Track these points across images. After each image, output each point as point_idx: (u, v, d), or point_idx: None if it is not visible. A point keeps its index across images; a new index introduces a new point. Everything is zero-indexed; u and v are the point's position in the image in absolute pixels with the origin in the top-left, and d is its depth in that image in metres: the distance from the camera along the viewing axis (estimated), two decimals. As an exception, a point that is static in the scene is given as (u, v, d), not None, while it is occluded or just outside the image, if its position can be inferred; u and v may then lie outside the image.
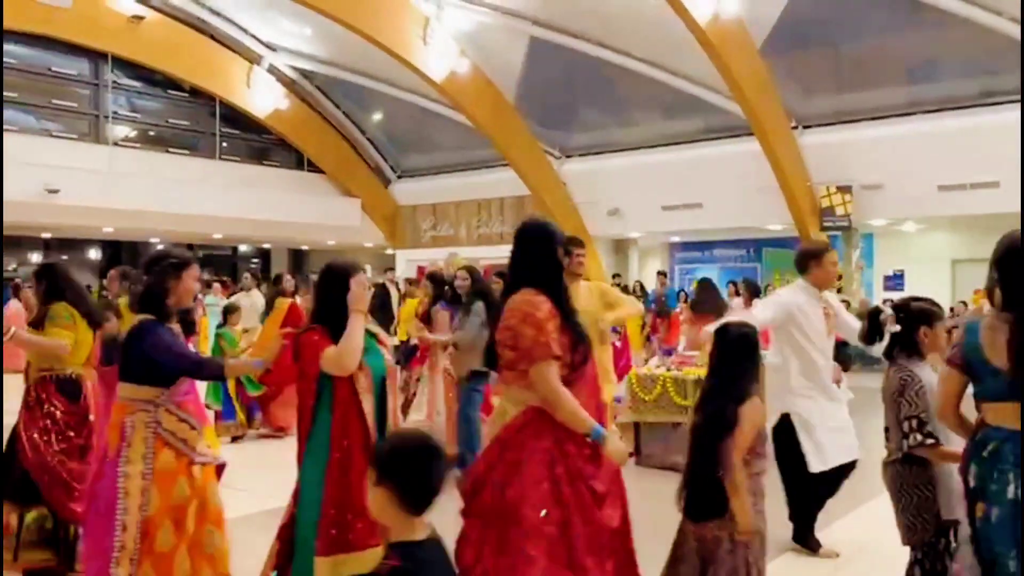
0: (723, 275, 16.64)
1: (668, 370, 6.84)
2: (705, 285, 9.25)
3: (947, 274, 15.50)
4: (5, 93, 15.84)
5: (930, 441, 3.04)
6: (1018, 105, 10.72)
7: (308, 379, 3.16)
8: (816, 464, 4.42)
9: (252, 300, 10.92)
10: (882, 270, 16.33)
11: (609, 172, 16.17)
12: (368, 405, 3.13)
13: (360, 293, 3.20)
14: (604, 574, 2.73)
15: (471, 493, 2.79)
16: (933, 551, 3.11)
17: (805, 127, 13.99)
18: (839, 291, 14.93)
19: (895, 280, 15.98)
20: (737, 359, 3.14)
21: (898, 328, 3.30)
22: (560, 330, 2.79)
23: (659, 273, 14.71)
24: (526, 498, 2.66)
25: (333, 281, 3.24)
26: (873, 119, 13.35)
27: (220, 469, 3.65)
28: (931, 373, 3.17)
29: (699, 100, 14.51)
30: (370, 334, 3.30)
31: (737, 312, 11.50)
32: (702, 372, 6.79)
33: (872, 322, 3.51)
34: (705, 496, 3.04)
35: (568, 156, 17.05)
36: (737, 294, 12.35)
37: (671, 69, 14.18)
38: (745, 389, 3.08)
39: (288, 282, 8.78)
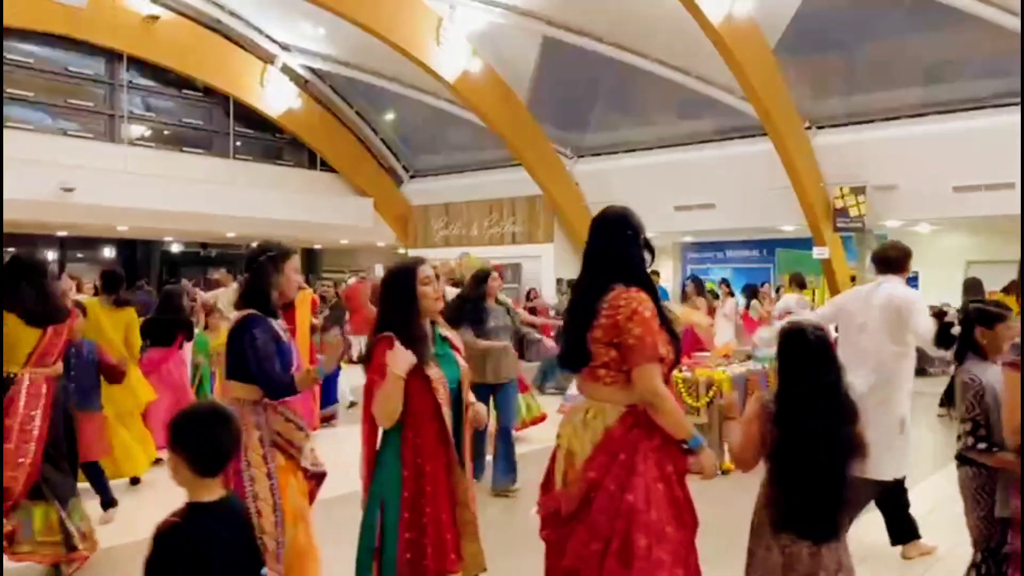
0: (735, 276, 16.59)
1: (680, 371, 6.83)
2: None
3: (961, 276, 15.37)
4: (22, 93, 16.00)
5: (982, 446, 2.99)
6: (1034, 106, 10.64)
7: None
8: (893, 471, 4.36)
9: (230, 298, 10.36)
10: (896, 271, 16.22)
11: (621, 172, 16.14)
12: (447, 419, 2.94)
13: (401, 357, 2.86)
14: None
15: (581, 502, 2.63)
16: (994, 555, 3.05)
17: (818, 127, 13.93)
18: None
19: (909, 282, 15.78)
20: (825, 364, 2.78)
21: (959, 331, 3.27)
22: (660, 328, 2.69)
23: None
24: (648, 500, 2.56)
25: (397, 285, 3.04)
26: (887, 119, 13.28)
27: (319, 480, 3.48)
28: (997, 374, 3.08)
29: (712, 100, 14.47)
30: (443, 339, 3.12)
31: (728, 312, 11.35)
32: (714, 373, 6.79)
33: (942, 326, 3.45)
34: (823, 516, 2.70)
35: (580, 156, 17.05)
36: (731, 294, 12.31)
37: (684, 69, 14.15)
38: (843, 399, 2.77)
39: None
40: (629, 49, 14.20)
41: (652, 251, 2.88)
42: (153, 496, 6.02)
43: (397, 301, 3.00)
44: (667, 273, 18.04)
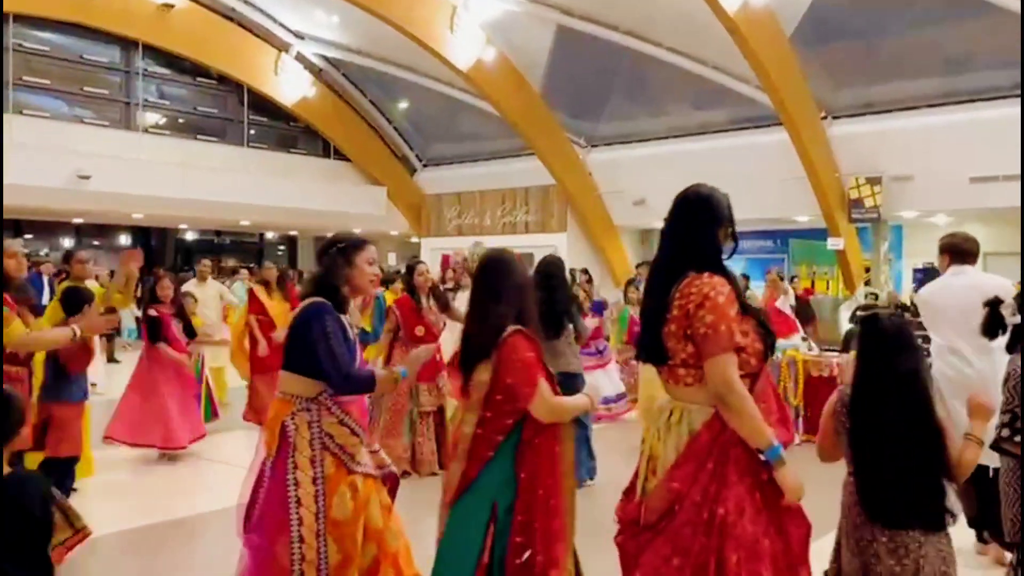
0: (749, 266, 16.53)
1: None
2: None
3: (979, 268, 15.26)
4: (39, 80, 16.09)
5: (1018, 438, 2.91)
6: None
7: (506, 393, 2.71)
8: None
9: (206, 292, 9.36)
10: (911, 263, 16.13)
11: (635, 162, 16.09)
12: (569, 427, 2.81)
13: (582, 403, 2.80)
14: None
15: (662, 513, 2.41)
16: None
17: (834, 118, 13.83)
18: (867, 284, 14.82)
19: (924, 273, 15.77)
20: (901, 351, 2.66)
21: (1018, 319, 3.17)
22: (741, 316, 2.43)
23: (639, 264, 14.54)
24: (743, 513, 2.32)
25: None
26: (904, 109, 13.16)
27: (394, 484, 3.24)
28: None
29: (727, 90, 14.39)
30: None
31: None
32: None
33: (993, 314, 3.31)
34: (912, 506, 2.54)
35: (594, 145, 17.00)
36: (747, 288, 12.22)
37: (699, 58, 14.07)
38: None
39: (269, 271, 8.19)
40: (643, 38, 14.13)
41: (736, 239, 2.65)
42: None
43: (528, 292, 2.80)
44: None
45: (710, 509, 2.33)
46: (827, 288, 16.95)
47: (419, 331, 6.03)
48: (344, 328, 3.09)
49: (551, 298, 5.38)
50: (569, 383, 5.48)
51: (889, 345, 2.63)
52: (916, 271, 15.98)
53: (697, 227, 2.58)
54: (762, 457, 2.36)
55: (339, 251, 3.14)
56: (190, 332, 6.77)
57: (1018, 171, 11.75)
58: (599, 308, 9.55)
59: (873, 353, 2.65)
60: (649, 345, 2.53)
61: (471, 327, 2.84)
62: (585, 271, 13.69)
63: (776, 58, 12.43)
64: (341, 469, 3.01)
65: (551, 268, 5.68)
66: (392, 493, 3.22)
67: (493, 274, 2.84)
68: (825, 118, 13.75)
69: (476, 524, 2.70)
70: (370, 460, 3.14)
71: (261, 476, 3.06)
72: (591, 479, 5.71)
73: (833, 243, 14.07)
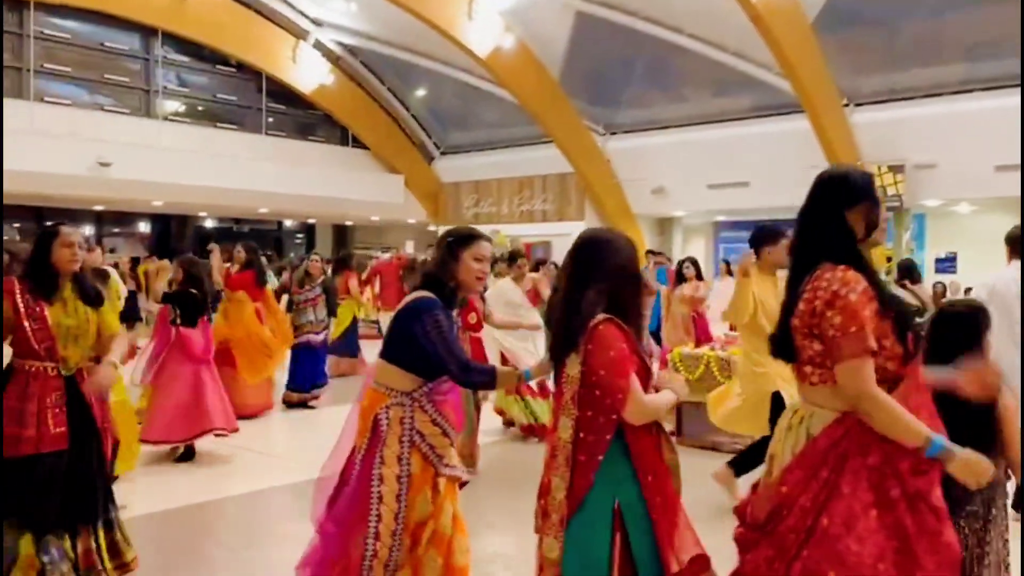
0: (768, 255, 16.32)
1: (712, 349, 6.81)
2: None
3: (1002, 257, 15.05)
4: (59, 68, 16.19)
5: None
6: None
7: (602, 387, 2.45)
8: None
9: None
10: (934, 252, 15.93)
11: (654, 149, 16.00)
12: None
13: (680, 383, 2.62)
14: None
15: (768, 516, 2.27)
16: None
17: (856, 104, 13.66)
18: (887, 273, 14.65)
19: (947, 263, 15.58)
20: (968, 341, 2.68)
21: None
22: (879, 316, 2.21)
23: (648, 252, 14.46)
24: (851, 529, 2.13)
25: (627, 257, 2.57)
26: (928, 96, 12.98)
27: (461, 486, 3.15)
28: None
29: (748, 77, 14.25)
30: None
31: (723, 291, 11.07)
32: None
33: None
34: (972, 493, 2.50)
35: (613, 133, 16.90)
36: (729, 273, 12.07)
37: (720, 45, 13.94)
38: None
39: (239, 254, 7.93)
40: (663, 24, 14.00)
41: (872, 225, 2.35)
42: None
43: (627, 277, 2.55)
44: (700, 252, 17.87)
45: (815, 518, 2.17)
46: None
47: (472, 319, 6.02)
48: (451, 323, 2.96)
49: None
50: None
51: (958, 334, 2.66)
52: (939, 260, 15.79)
53: (826, 210, 2.34)
54: (924, 456, 2.14)
55: (447, 244, 3.02)
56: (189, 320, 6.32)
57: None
58: None
59: (940, 341, 2.67)
60: (780, 340, 2.36)
61: (558, 314, 2.56)
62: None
63: (798, 45, 12.28)
64: (428, 469, 2.91)
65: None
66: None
67: (584, 255, 2.56)
68: (847, 105, 13.59)
69: (599, 543, 2.41)
70: (458, 463, 3.05)
71: (350, 463, 2.97)
72: None
73: (854, 232, 13.92)
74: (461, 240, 3.02)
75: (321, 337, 8.31)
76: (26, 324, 3.38)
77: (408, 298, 2.98)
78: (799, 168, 13.74)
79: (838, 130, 13.25)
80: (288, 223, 24.22)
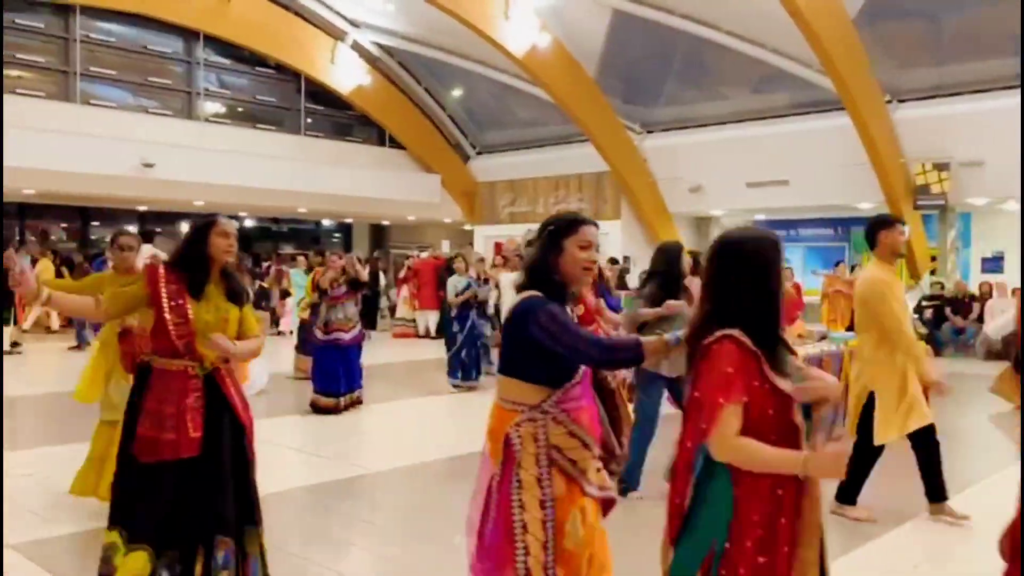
0: (809, 255, 16.20)
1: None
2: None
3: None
4: (104, 71, 16.53)
5: None
6: None
7: (702, 406, 2.13)
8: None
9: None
10: (980, 252, 15.58)
11: (692, 148, 15.86)
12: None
13: (832, 462, 2.04)
14: None
15: (1012, 551, 2.11)
16: None
17: (900, 101, 13.40)
18: (933, 273, 14.36)
19: (994, 262, 15.23)
20: None
21: None
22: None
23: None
24: None
25: (761, 259, 2.21)
26: (974, 92, 12.68)
27: (608, 505, 2.77)
28: None
29: (787, 73, 14.06)
30: None
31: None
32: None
33: None
34: None
35: (649, 131, 16.79)
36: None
37: (758, 41, 13.76)
38: None
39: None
40: (701, 21, 13.87)
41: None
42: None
43: (758, 283, 2.19)
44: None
45: None
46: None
47: (579, 310, 5.87)
48: (566, 314, 2.66)
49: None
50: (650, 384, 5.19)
51: None
52: (985, 260, 15.44)
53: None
54: None
55: (548, 234, 2.72)
56: None
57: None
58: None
59: None
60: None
61: (691, 325, 2.31)
62: (614, 260, 13.62)
63: (839, 40, 12.07)
64: (574, 488, 2.59)
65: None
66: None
67: (717, 262, 2.26)
68: (890, 102, 13.33)
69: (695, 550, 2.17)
70: (597, 479, 2.68)
71: (489, 496, 2.67)
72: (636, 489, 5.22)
73: (897, 231, 13.65)
74: (562, 227, 2.70)
75: (350, 336, 8.01)
76: (168, 317, 3.18)
77: (513, 303, 2.70)
78: (840, 166, 13.71)
79: (880, 127, 13.01)
80: (326, 222, 24.46)
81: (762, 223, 18.16)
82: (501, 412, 2.66)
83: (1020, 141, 9.72)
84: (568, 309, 2.70)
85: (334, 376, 7.88)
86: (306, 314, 9.43)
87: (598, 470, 2.69)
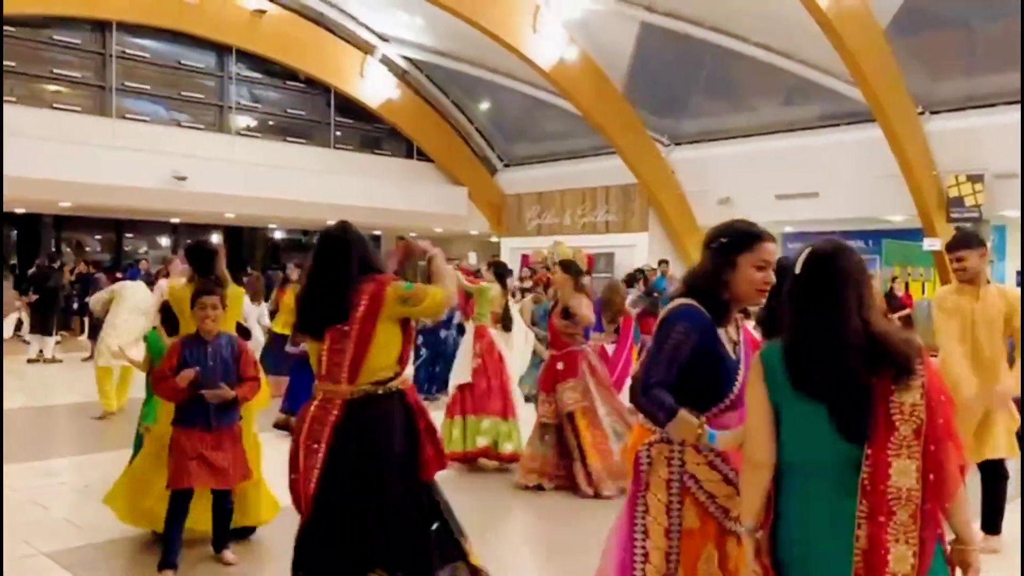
0: (839, 268, 15.92)
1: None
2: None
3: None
4: (139, 86, 16.84)
5: None
6: None
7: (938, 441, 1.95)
8: None
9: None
10: (1014, 265, 15.30)
11: (720, 160, 15.78)
12: None
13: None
14: None
15: None
16: None
17: (932, 112, 13.23)
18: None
19: (1030, 276, 14.95)
20: None
21: None
22: None
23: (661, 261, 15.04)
24: None
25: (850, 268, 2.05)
26: (1008, 103, 12.47)
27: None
28: None
29: (817, 85, 13.96)
30: None
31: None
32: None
33: None
34: None
35: (677, 143, 16.74)
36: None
37: (787, 53, 13.68)
38: None
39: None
40: (729, 33, 13.82)
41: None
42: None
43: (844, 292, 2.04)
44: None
45: None
46: (922, 291, 16.24)
47: None
48: (715, 341, 2.41)
49: None
50: None
51: None
52: (1020, 273, 15.16)
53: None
54: None
55: (720, 247, 2.43)
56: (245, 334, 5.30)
57: None
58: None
59: None
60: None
61: (855, 336, 2.01)
62: (640, 270, 13.64)
63: (870, 51, 11.96)
64: (708, 524, 2.36)
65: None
66: None
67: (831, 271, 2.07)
68: (922, 113, 13.18)
69: None
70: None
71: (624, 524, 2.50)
72: None
73: (929, 244, 13.47)
74: (738, 241, 2.41)
75: None
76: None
77: (665, 309, 2.51)
78: (871, 178, 13.57)
79: (912, 139, 12.85)
80: (354, 234, 24.62)
81: (791, 236, 18.02)
82: (639, 430, 2.49)
83: (1020, 153, 9.57)
84: (724, 332, 2.45)
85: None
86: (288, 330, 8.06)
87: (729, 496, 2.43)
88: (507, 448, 6.12)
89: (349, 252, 2.93)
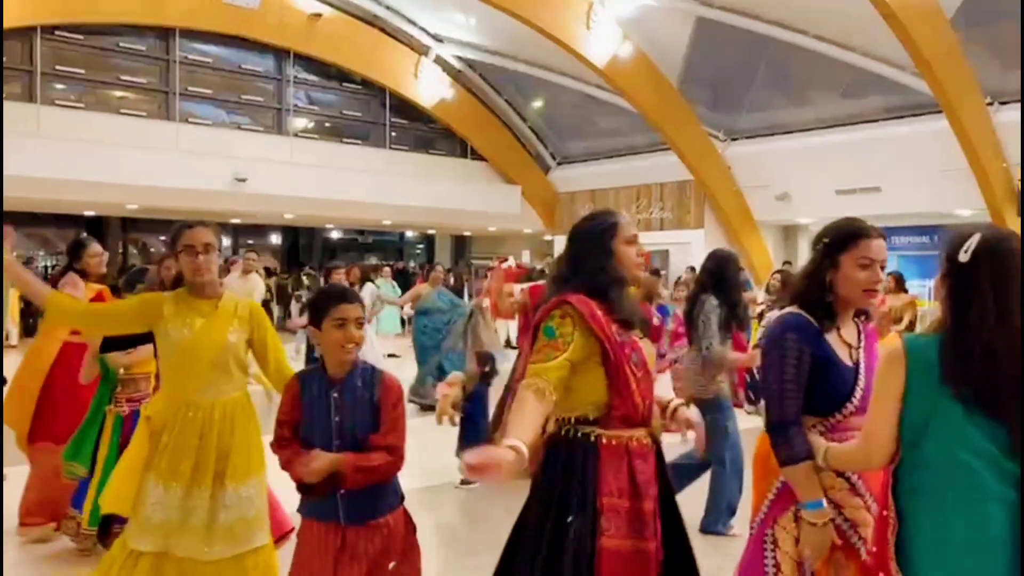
0: (902, 263, 15.57)
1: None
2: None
3: None
4: (201, 90, 17.27)
5: None
6: None
7: None
8: None
9: (249, 287, 8.27)
10: (1091, 260, 14.71)
11: (778, 155, 15.51)
12: None
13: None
14: None
15: None
16: None
17: (1001, 103, 12.77)
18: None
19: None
20: None
21: None
22: None
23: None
24: None
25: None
26: (1085, 92, 11.99)
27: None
28: None
29: (879, 77, 13.60)
30: None
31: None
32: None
33: None
34: None
35: (734, 139, 16.49)
36: (901, 288, 11.30)
37: (848, 45, 13.37)
38: None
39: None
40: (788, 26, 13.57)
41: None
42: None
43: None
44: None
45: None
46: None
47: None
48: (825, 348, 2.25)
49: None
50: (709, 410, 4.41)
51: None
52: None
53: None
54: None
55: (823, 247, 2.31)
56: None
57: None
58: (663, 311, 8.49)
59: None
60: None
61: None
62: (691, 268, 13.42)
63: (935, 41, 11.61)
64: (851, 559, 2.18)
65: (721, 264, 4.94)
66: None
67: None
68: (991, 104, 12.74)
69: None
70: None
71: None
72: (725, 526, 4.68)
73: (1000, 239, 13.02)
74: (839, 240, 2.29)
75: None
76: (628, 370, 2.35)
77: (768, 323, 2.45)
78: (936, 172, 13.18)
79: (981, 131, 12.44)
80: (409, 234, 24.89)
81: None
82: (766, 445, 2.32)
83: (1020, 153, 9.18)
84: (837, 336, 2.31)
85: None
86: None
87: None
88: None
89: None
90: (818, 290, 2.28)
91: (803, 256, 17.72)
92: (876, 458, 1.98)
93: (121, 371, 4.22)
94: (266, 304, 12.30)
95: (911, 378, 1.89)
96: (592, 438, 2.30)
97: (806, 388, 2.21)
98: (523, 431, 2.06)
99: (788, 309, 2.32)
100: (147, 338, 3.18)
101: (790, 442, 2.17)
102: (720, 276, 4.88)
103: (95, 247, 4.62)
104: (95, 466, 4.04)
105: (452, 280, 15.33)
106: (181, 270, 3.09)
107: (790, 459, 2.17)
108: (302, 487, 2.51)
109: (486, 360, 5.84)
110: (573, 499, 2.26)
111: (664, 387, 6.84)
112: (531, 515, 2.35)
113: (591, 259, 2.40)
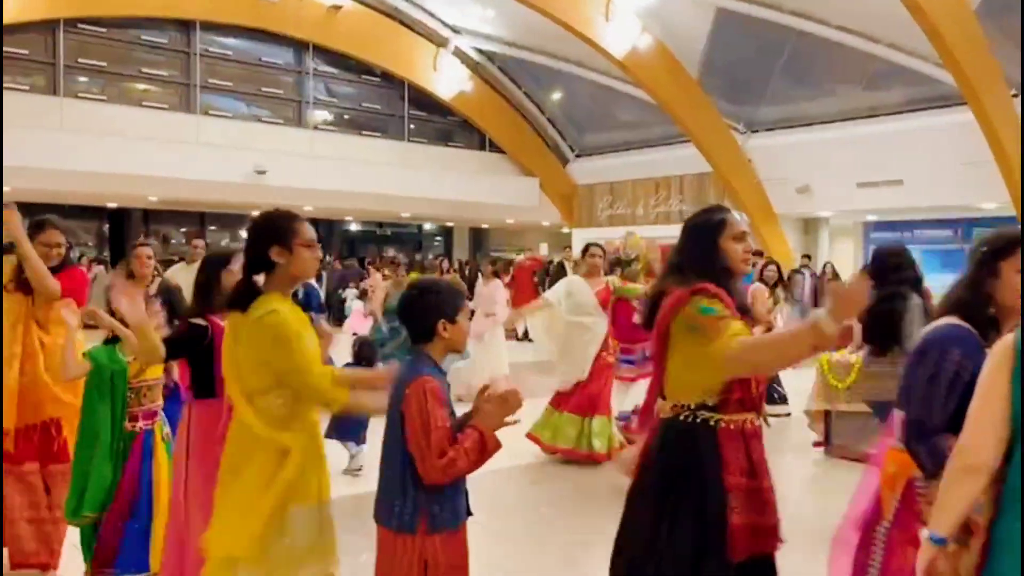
0: (925, 257, 15.38)
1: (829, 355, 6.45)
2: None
3: None
4: (222, 83, 17.38)
5: None
6: None
7: None
8: None
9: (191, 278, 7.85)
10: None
11: (799, 147, 15.38)
12: None
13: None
14: None
15: None
16: None
17: (1028, 94, 12.59)
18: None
19: None
20: None
21: None
22: None
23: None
24: None
25: None
26: (1113, 83, 11.80)
27: None
28: None
29: (902, 68, 13.45)
30: None
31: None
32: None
33: None
34: None
35: (754, 131, 16.37)
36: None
37: (870, 36, 13.23)
38: None
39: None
40: (809, 17, 13.45)
41: None
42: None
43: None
44: (848, 254, 17.04)
45: None
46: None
47: None
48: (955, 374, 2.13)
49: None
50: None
51: None
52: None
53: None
54: None
55: (982, 256, 2.22)
56: None
57: None
58: None
59: None
60: None
61: None
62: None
63: (959, 32, 11.45)
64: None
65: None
66: None
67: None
68: (1017, 95, 12.56)
69: None
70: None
71: (864, 534, 2.36)
72: None
73: (1024, 232, 12.85)
74: (999, 246, 2.19)
75: None
76: None
77: (927, 330, 2.28)
78: (960, 164, 13.01)
79: (1006, 122, 12.25)
80: (427, 226, 24.93)
81: (874, 224, 17.44)
82: (899, 455, 2.25)
83: (1020, 148, 9.02)
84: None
85: None
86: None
87: None
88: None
89: None
90: (982, 300, 2.18)
91: (823, 250, 17.60)
92: (970, 450, 1.87)
93: (132, 378, 3.38)
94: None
95: (1016, 376, 1.83)
96: (712, 422, 2.35)
97: (962, 408, 2.02)
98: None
99: (947, 320, 2.20)
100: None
101: (939, 458, 2.02)
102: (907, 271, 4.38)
103: (146, 249, 4.36)
104: (136, 507, 3.34)
105: (467, 272, 15.31)
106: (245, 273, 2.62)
107: (938, 465, 2.01)
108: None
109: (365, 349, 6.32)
110: (693, 481, 2.31)
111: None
112: (646, 498, 2.41)
113: (701, 252, 2.48)
